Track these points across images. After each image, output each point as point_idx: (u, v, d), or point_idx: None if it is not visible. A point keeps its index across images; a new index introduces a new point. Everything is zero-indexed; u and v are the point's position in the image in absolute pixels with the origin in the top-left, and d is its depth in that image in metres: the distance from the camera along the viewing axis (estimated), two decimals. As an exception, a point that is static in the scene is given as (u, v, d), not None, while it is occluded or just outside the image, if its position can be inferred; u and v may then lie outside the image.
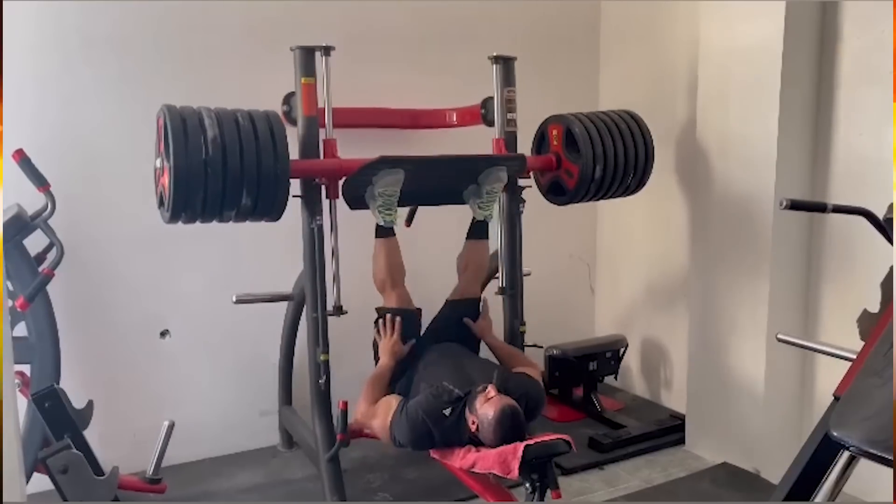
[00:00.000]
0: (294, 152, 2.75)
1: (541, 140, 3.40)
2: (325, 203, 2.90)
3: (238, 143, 2.50)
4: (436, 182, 3.06)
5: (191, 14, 3.36)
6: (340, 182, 2.86)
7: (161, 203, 2.62)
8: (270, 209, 2.63)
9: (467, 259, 3.14)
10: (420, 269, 3.13)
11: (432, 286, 3.12)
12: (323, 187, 2.87)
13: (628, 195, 3.46)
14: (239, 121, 2.55)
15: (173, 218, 2.54)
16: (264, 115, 2.62)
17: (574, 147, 3.20)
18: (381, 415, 2.64)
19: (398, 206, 2.88)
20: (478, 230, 3.12)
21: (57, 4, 3.10)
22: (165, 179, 2.50)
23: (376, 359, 2.94)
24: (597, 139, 3.17)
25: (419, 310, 3.03)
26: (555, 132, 3.29)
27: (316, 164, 2.84)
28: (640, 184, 3.41)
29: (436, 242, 3.40)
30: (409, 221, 3.41)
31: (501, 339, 3.23)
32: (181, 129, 2.44)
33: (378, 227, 2.89)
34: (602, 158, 3.17)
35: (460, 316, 3.07)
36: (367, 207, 2.89)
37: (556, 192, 3.37)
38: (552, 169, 3.32)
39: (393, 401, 2.67)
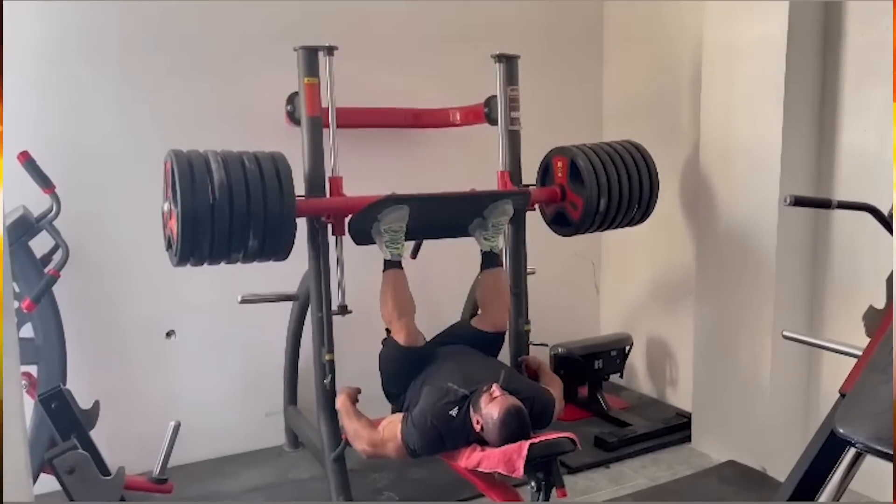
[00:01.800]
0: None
1: (545, 172, 3.40)
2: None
3: (244, 185, 2.51)
4: (441, 217, 3.05)
5: (193, 14, 3.37)
6: (346, 219, 2.87)
7: (169, 246, 2.64)
8: (277, 250, 2.65)
9: (492, 291, 3.03)
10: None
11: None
12: (329, 225, 2.88)
13: (633, 225, 3.47)
14: (245, 163, 2.56)
15: (181, 261, 2.56)
16: (269, 157, 2.63)
17: (579, 179, 3.20)
18: (390, 435, 2.62)
19: (404, 240, 2.87)
20: (491, 260, 3.05)
21: (58, 5, 3.11)
22: (173, 224, 2.52)
23: (381, 374, 2.88)
24: (601, 171, 3.18)
25: (426, 342, 2.91)
26: (559, 164, 3.30)
27: (322, 202, 2.85)
28: (644, 215, 3.42)
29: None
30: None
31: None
32: (188, 175, 2.45)
33: (385, 261, 2.87)
34: (607, 191, 3.18)
35: (488, 346, 2.97)
36: (373, 242, 2.89)
37: (561, 223, 3.37)
38: (557, 201, 3.32)
39: (395, 418, 2.66)
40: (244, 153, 2.61)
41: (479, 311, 3.12)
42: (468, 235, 3.08)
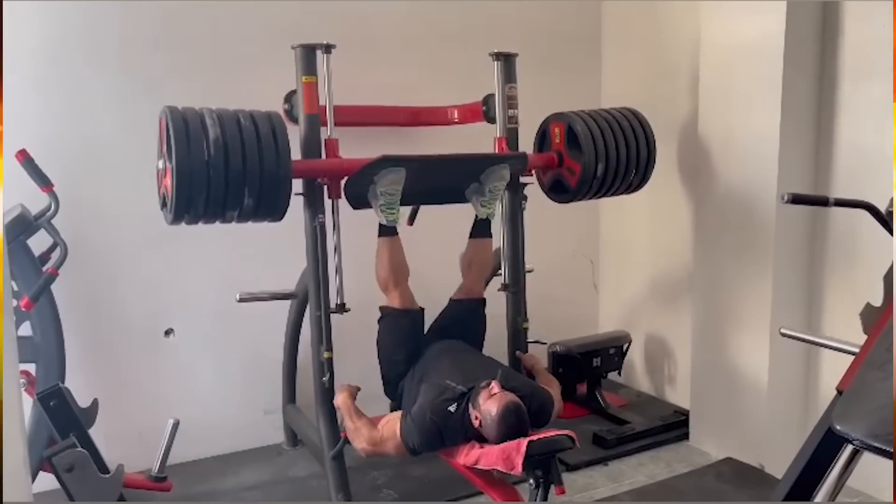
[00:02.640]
0: (296, 152, 2.75)
1: (542, 138, 3.40)
2: (327, 202, 2.91)
3: (240, 143, 2.50)
4: (438, 181, 3.05)
5: (192, 13, 3.37)
6: (342, 181, 2.87)
7: (164, 204, 2.62)
8: (273, 209, 2.64)
9: (471, 258, 3.12)
10: (423, 268, 3.13)
11: (436, 285, 3.12)
12: (325, 187, 2.88)
13: (631, 192, 3.46)
14: (241, 121, 2.55)
15: (176, 219, 2.55)
16: (266, 116, 2.62)
17: (576, 145, 3.19)
18: (390, 433, 2.63)
19: (400, 205, 2.87)
20: (481, 228, 3.10)
21: (58, 5, 3.11)
22: (168, 181, 2.50)
23: (380, 358, 2.94)
24: (599, 137, 3.17)
25: (422, 309, 3.01)
26: (556, 130, 3.29)
27: (318, 163, 2.84)
28: (642, 181, 3.40)
29: (439, 241, 3.39)
30: (411, 221, 3.40)
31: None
32: (183, 131, 2.44)
33: (381, 227, 2.88)
34: (604, 156, 3.16)
35: (465, 315, 3.07)
36: (369, 207, 2.89)
37: (559, 190, 3.36)
38: (554, 167, 3.31)
39: (394, 416, 2.67)
40: (240, 111, 2.60)
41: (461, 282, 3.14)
42: (465, 201, 3.07)
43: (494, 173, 2.96)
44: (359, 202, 2.91)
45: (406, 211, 3.27)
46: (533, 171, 3.33)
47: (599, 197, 3.40)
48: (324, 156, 2.86)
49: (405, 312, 2.90)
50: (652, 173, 3.40)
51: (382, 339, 2.94)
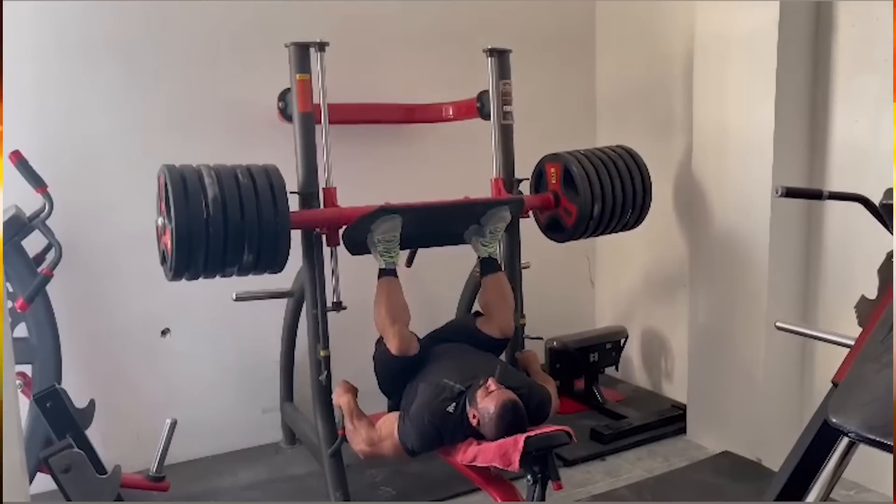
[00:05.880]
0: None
1: (539, 179, 3.41)
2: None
3: (238, 200, 2.51)
4: (436, 225, 3.04)
5: (188, 12, 3.36)
6: (341, 230, 2.86)
7: (164, 261, 2.64)
8: (272, 263, 2.65)
9: (492, 296, 3.03)
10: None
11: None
12: (323, 236, 2.88)
13: (627, 230, 3.48)
14: (238, 177, 2.56)
15: (176, 276, 2.56)
16: (263, 170, 2.63)
17: (572, 186, 3.21)
18: (387, 432, 2.63)
19: (399, 248, 2.87)
20: (490, 266, 3.04)
21: (56, 5, 3.10)
22: (168, 239, 2.51)
23: (376, 370, 2.90)
24: (594, 178, 3.19)
25: (417, 353, 2.87)
26: (553, 171, 3.30)
27: (316, 214, 2.85)
28: (638, 220, 3.43)
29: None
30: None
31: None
32: (182, 190, 2.45)
33: (380, 269, 2.85)
34: (600, 197, 3.19)
35: (493, 350, 2.99)
36: (368, 252, 2.88)
37: (555, 230, 3.38)
38: (551, 208, 3.33)
39: (392, 416, 2.67)
40: (237, 167, 2.61)
41: (485, 315, 3.07)
42: (464, 243, 3.07)
43: (495, 216, 2.97)
44: (357, 249, 2.91)
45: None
46: (530, 212, 3.34)
47: (596, 235, 3.42)
48: (322, 205, 2.86)
49: (400, 360, 2.78)
50: (648, 213, 3.42)
51: (378, 366, 2.88)
